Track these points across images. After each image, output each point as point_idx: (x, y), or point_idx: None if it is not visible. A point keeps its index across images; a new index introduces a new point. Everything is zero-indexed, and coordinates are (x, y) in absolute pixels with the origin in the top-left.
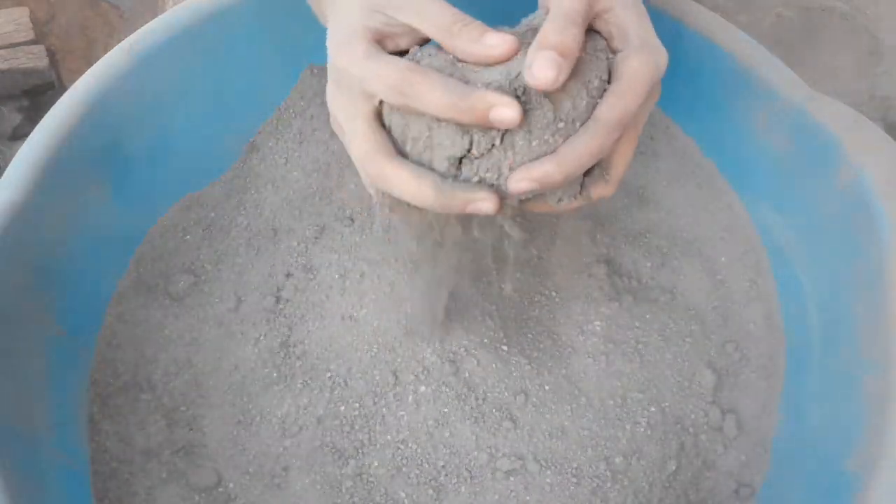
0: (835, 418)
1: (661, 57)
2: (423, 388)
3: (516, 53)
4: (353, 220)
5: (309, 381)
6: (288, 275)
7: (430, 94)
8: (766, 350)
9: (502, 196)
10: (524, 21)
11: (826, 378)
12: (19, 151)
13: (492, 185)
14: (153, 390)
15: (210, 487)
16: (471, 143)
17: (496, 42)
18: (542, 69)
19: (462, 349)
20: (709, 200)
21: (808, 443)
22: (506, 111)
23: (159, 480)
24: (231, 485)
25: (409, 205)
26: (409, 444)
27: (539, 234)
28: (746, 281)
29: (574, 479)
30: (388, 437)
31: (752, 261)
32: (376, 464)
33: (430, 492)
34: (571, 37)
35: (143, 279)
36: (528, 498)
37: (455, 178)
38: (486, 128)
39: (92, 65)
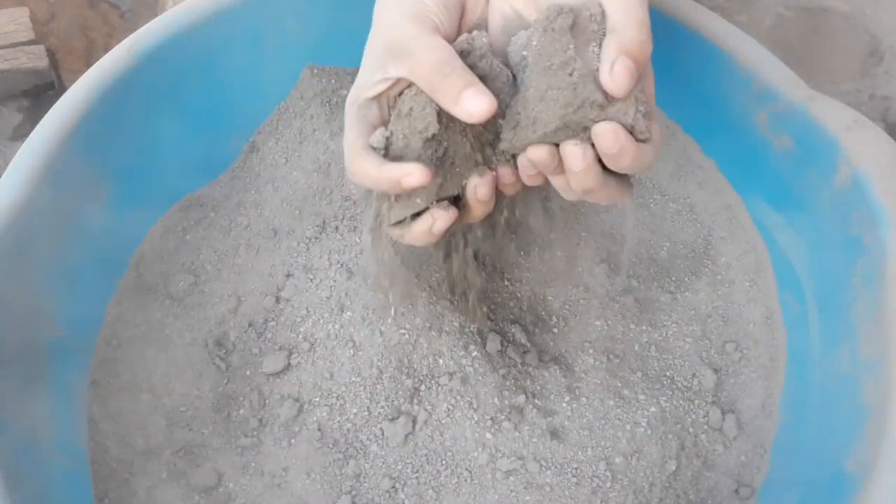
0: (835, 418)
1: None
2: (423, 388)
3: (493, 117)
4: (353, 219)
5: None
6: (288, 275)
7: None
8: (766, 350)
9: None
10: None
11: (826, 378)
12: (19, 152)
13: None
14: (153, 390)
15: (210, 487)
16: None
17: (473, 109)
18: (622, 77)
19: (463, 349)
20: (709, 200)
21: (808, 443)
22: (411, 179)
23: (159, 480)
24: (231, 485)
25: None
26: (409, 444)
27: (539, 235)
28: (746, 281)
29: (574, 479)
30: (389, 437)
31: (751, 261)
32: (378, 464)
33: (430, 492)
34: (648, 49)
35: (143, 279)
36: (527, 498)
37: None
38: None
39: (92, 65)
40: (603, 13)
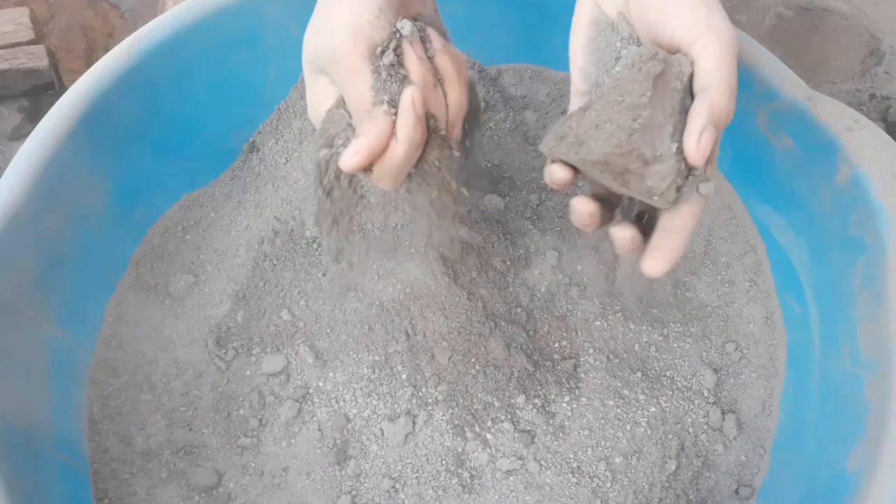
0: (835, 418)
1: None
2: (424, 389)
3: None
4: (354, 219)
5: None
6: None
7: None
8: (766, 350)
9: None
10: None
11: (826, 378)
12: (19, 151)
13: None
14: (153, 390)
15: (210, 487)
16: None
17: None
18: (706, 148)
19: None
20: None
21: (808, 443)
22: None
23: (159, 480)
24: (231, 485)
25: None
26: (409, 444)
27: (537, 235)
28: (746, 281)
29: (574, 479)
30: (389, 437)
31: (752, 261)
32: (378, 464)
33: (430, 492)
34: (730, 119)
35: (143, 279)
36: (527, 498)
37: None
38: None
39: (92, 65)
40: (691, 75)
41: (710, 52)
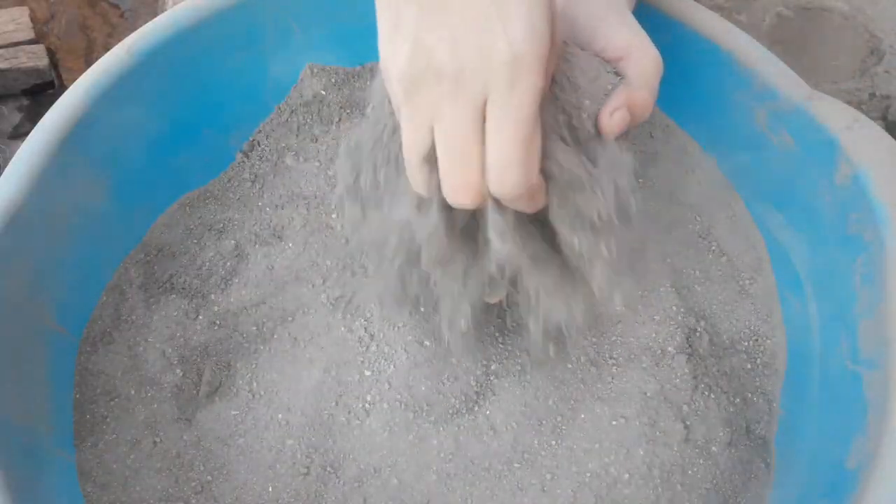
0: (835, 417)
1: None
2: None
3: None
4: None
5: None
6: (288, 275)
7: None
8: (766, 350)
9: None
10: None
11: (826, 375)
12: (19, 150)
13: None
14: (154, 387)
15: (205, 484)
16: None
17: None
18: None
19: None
20: (709, 199)
21: (808, 440)
22: None
23: (158, 476)
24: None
25: None
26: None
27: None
28: (747, 279)
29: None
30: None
31: (752, 259)
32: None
33: None
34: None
35: (143, 278)
36: None
37: None
38: None
39: (92, 64)
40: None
41: (639, 66)
